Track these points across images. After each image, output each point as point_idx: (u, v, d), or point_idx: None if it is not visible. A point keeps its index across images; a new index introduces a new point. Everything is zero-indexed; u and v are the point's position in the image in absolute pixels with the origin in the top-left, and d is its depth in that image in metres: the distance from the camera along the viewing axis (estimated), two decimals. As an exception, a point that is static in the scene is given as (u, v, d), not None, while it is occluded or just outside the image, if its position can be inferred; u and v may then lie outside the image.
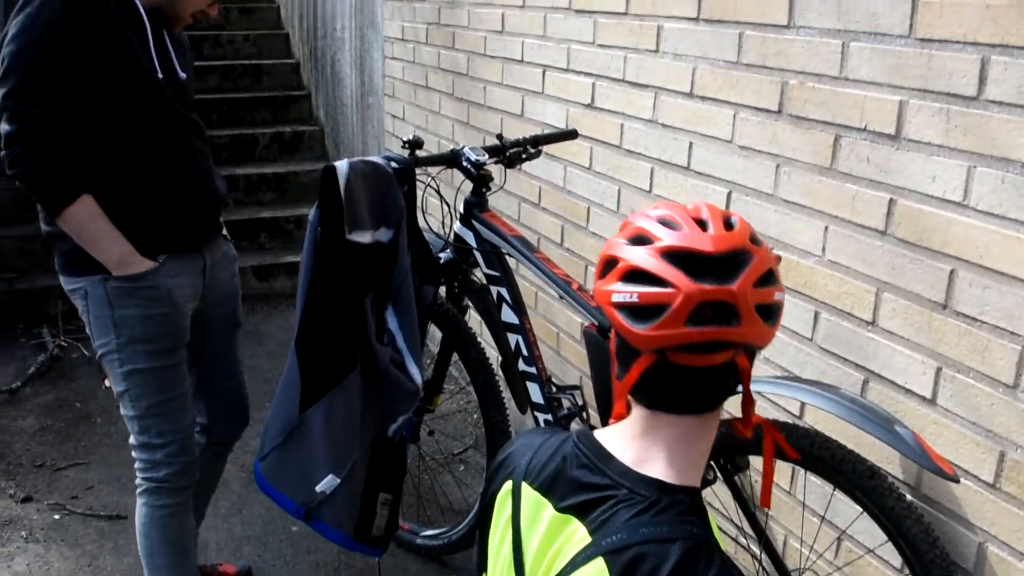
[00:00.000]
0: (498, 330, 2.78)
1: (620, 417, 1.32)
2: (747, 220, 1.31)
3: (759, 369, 2.35)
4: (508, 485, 1.38)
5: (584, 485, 1.26)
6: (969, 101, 1.78)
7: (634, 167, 2.87)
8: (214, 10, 2.54)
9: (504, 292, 2.75)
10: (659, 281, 1.20)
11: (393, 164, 2.53)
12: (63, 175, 2.28)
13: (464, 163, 2.74)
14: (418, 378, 2.60)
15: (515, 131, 3.58)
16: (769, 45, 2.26)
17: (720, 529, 1.28)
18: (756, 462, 2.45)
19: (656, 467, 1.24)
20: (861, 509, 1.94)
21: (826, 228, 2.15)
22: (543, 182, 3.47)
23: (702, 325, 1.18)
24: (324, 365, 2.47)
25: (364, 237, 2.44)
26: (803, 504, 2.31)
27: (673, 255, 1.20)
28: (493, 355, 2.87)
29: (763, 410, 2.38)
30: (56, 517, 3.47)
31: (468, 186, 2.82)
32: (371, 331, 2.50)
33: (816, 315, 2.20)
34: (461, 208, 2.83)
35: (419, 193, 2.63)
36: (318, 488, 2.53)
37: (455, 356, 3.03)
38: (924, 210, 1.89)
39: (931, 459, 1.79)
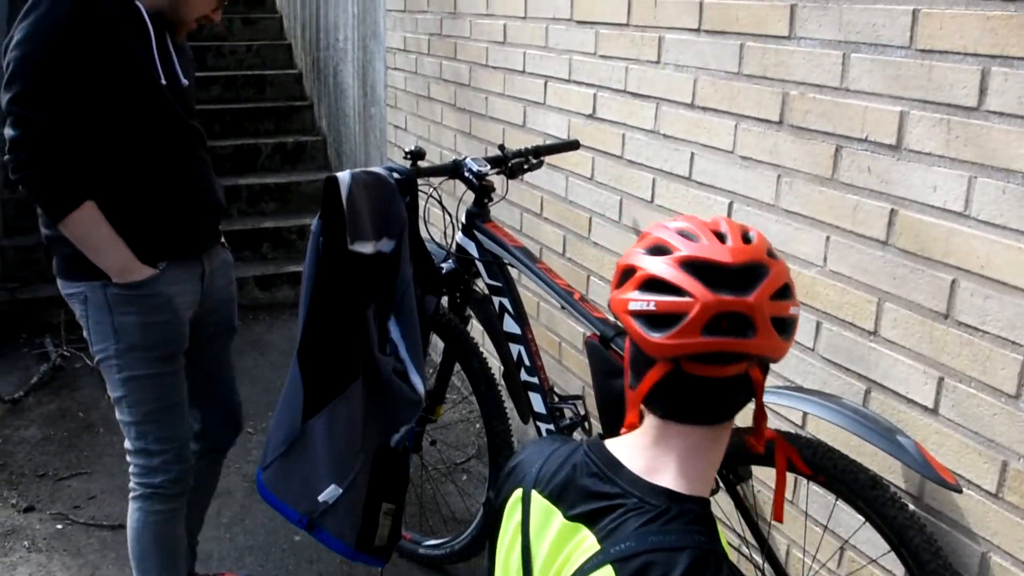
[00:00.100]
0: (500, 340, 2.79)
1: (632, 427, 1.33)
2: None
3: (761, 379, 2.35)
4: (518, 493, 1.39)
5: (594, 494, 1.27)
6: (970, 112, 1.78)
7: (636, 177, 2.87)
8: (218, 15, 2.54)
9: (506, 302, 2.75)
10: (677, 290, 1.21)
11: (395, 175, 2.53)
12: (67, 181, 2.28)
13: (466, 174, 2.75)
14: (420, 388, 2.60)
15: (517, 141, 3.59)
16: (770, 56, 2.27)
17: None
18: (759, 472, 2.45)
19: (666, 477, 1.25)
20: (864, 519, 1.94)
21: (827, 238, 2.15)
22: (545, 192, 3.47)
23: (718, 335, 1.19)
24: (326, 375, 2.47)
25: (366, 247, 2.44)
26: (806, 514, 2.31)
27: (691, 265, 1.22)
28: (495, 365, 2.87)
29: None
30: (59, 527, 3.47)
31: (470, 196, 2.82)
32: (373, 341, 2.50)
33: (818, 325, 2.21)
34: (463, 218, 2.84)
35: (421, 203, 2.64)
36: (320, 498, 2.53)
37: (457, 366, 3.04)
38: (925, 220, 1.90)
39: (933, 469, 1.79)
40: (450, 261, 2.87)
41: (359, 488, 2.61)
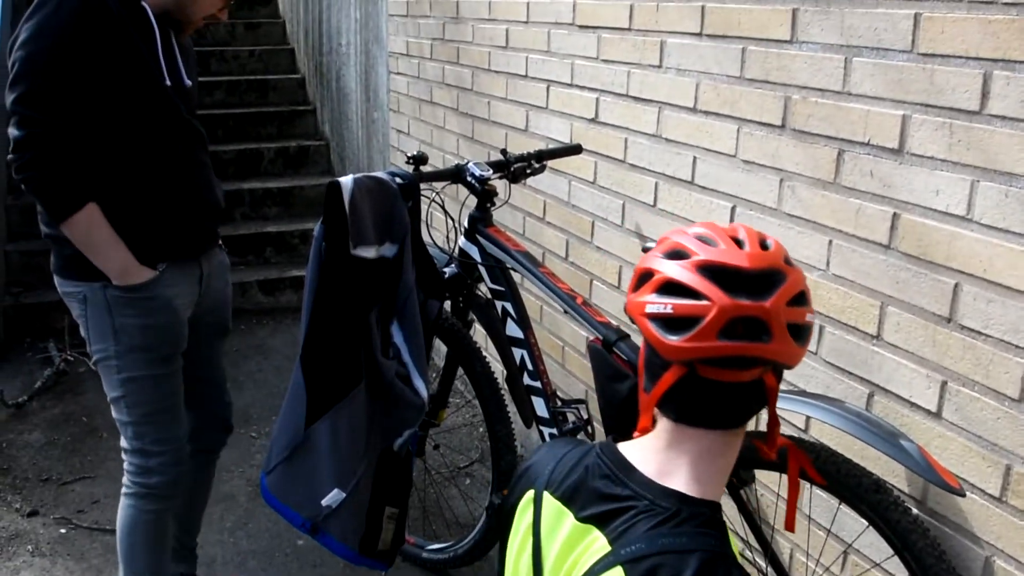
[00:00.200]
0: (503, 344, 2.79)
1: (645, 431, 1.34)
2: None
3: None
4: (530, 494, 1.40)
5: (605, 496, 1.28)
6: (972, 116, 1.78)
7: (638, 182, 2.88)
8: (224, 15, 2.54)
9: (509, 307, 2.75)
10: (694, 294, 1.22)
11: (397, 179, 2.53)
12: (70, 182, 2.29)
13: (468, 178, 2.75)
14: (423, 392, 2.61)
15: (520, 146, 3.60)
16: (772, 60, 2.27)
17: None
18: (761, 476, 2.45)
19: (678, 480, 1.26)
20: (867, 523, 1.94)
21: (830, 242, 2.15)
22: (548, 196, 3.48)
23: (734, 339, 1.20)
24: (330, 380, 2.47)
25: (369, 252, 2.44)
26: (809, 518, 2.31)
27: (709, 269, 1.23)
28: (498, 369, 2.87)
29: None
30: (62, 531, 3.47)
31: (473, 201, 2.83)
32: (376, 346, 2.50)
33: (821, 329, 2.21)
34: (466, 223, 2.84)
35: (424, 208, 2.65)
36: (324, 502, 2.53)
37: (460, 370, 3.04)
38: (928, 224, 1.90)
39: (937, 473, 1.79)
40: (453, 265, 2.88)
41: (362, 492, 2.61)
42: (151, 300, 2.44)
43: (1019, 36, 1.68)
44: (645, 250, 2.54)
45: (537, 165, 2.88)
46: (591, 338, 2.44)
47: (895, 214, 1.97)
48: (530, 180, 3.05)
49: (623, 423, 2.33)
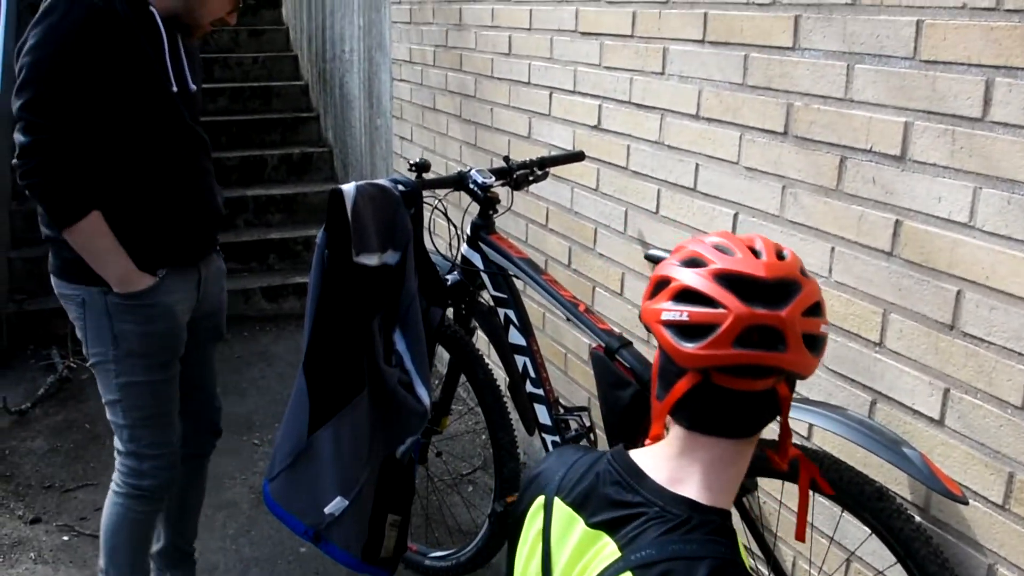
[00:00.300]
0: (505, 352, 2.79)
1: (657, 438, 1.34)
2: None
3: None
4: (540, 500, 1.41)
5: (616, 502, 1.29)
6: (974, 123, 1.78)
7: (641, 189, 2.88)
8: (233, 18, 2.54)
9: (511, 314, 2.75)
10: (710, 302, 1.23)
11: (400, 187, 2.54)
12: (75, 190, 2.29)
13: (471, 185, 2.75)
14: (426, 399, 2.60)
15: (522, 152, 3.60)
16: (774, 67, 2.27)
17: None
18: (764, 483, 2.45)
19: (690, 487, 1.26)
20: (870, 531, 1.93)
21: (832, 249, 2.15)
22: (550, 203, 3.48)
23: (749, 348, 1.21)
24: (332, 387, 2.47)
25: (371, 259, 2.45)
26: (812, 525, 2.30)
27: (726, 278, 1.24)
28: (501, 376, 2.87)
29: (770, 431, 2.37)
30: (65, 538, 3.47)
31: (475, 208, 2.83)
32: (379, 353, 2.50)
33: (823, 336, 2.20)
34: (468, 230, 2.84)
35: (426, 215, 2.65)
36: (327, 510, 2.53)
37: (463, 377, 3.04)
38: (930, 231, 1.89)
39: (939, 481, 1.79)
40: (455, 273, 2.88)
41: (365, 500, 2.61)
42: (151, 308, 2.44)
43: (1021, 43, 1.68)
44: (647, 256, 2.56)
45: (539, 172, 2.88)
46: (593, 345, 2.44)
47: (897, 221, 1.97)
48: (533, 187, 3.05)
49: (625, 430, 2.33)
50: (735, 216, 2.46)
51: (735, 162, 2.44)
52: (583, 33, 3.13)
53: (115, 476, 2.61)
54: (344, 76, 6.30)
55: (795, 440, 2.29)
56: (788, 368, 1.24)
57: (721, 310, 1.21)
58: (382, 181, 2.52)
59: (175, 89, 2.41)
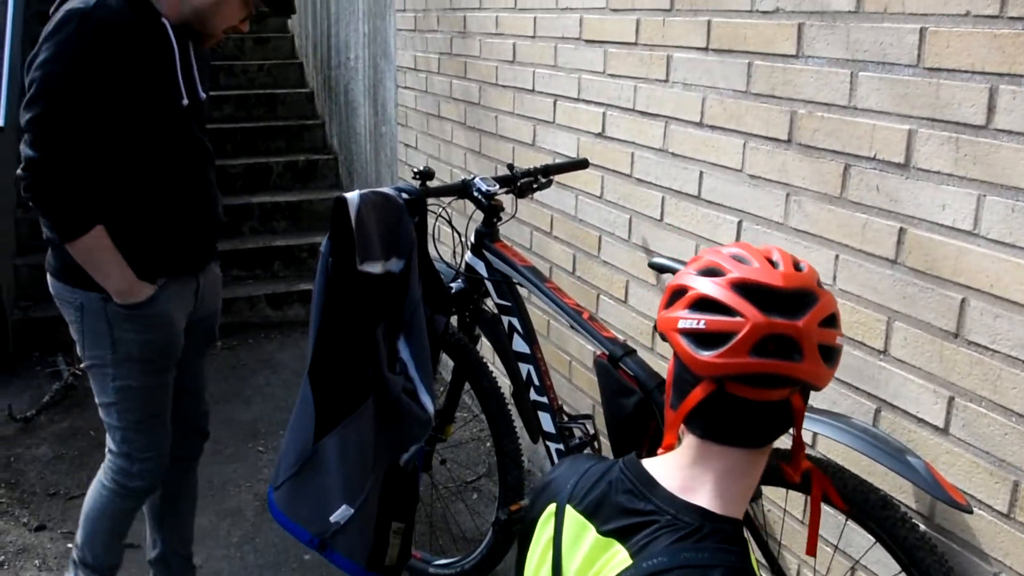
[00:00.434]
0: (509, 360, 2.79)
1: (670, 448, 1.35)
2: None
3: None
4: (551, 508, 1.41)
5: (628, 510, 1.29)
6: (978, 130, 1.78)
7: (645, 196, 2.88)
8: (245, 26, 2.54)
9: (515, 322, 2.75)
10: (728, 310, 1.23)
11: (404, 195, 2.54)
12: (79, 205, 2.29)
13: (475, 193, 2.75)
14: (430, 407, 2.61)
15: (527, 160, 3.60)
16: (778, 75, 2.27)
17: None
18: (768, 491, 2.44)
19: (702, 496, 1.27)
20: (874, 539, 1.93)
21: (836, 257, 2.15)
22: (555, 211, 3.48)
23: (765, 357, 1.22)
24: (337, 395, 2.48)
25: (375, 267, 2.45)
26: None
27: (743, 287, 1.25)
28: (505, 384, 2.87)
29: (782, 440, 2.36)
30: (69, 546, 3.46)
31: (480, 216, 2.83)
32: (383, 361, 2.51)
33: (827, 344, 2.20)
34: (472, 238, 2.85)
35: (431, 222, 2.65)
36: (332, 518, 2.53)
37: (467, 385, 3.04)
38: (934, 239, 1.89)
39: (944, 490, 1.78)
40: (459, 280, 2.88)
41: (370, 508, 2.61)
42: (151, 317, 2.45)
43: (1025, 51, 1.68)
44: (651, 265, 2.55)
45: (544, 180, 2.88)
46: (598, 353, 2.44)
47: (901, 229, 1.97)
48: (537, 194, 3.05)
49: (629, 438, 2.33)
50: (739, 224, 2.46)
51: (739, 170, 2.44)
52: (587, 41, 3.14)
53: (104, 470, 2.64)
54: (349, 83, 6.31)
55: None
56: (803, 378, 1.24)
57: (738, 319, 1.22)
58: (386, 189, 2.53)
59: (186, 102, 2.41)
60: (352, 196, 2.39)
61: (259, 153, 7.03)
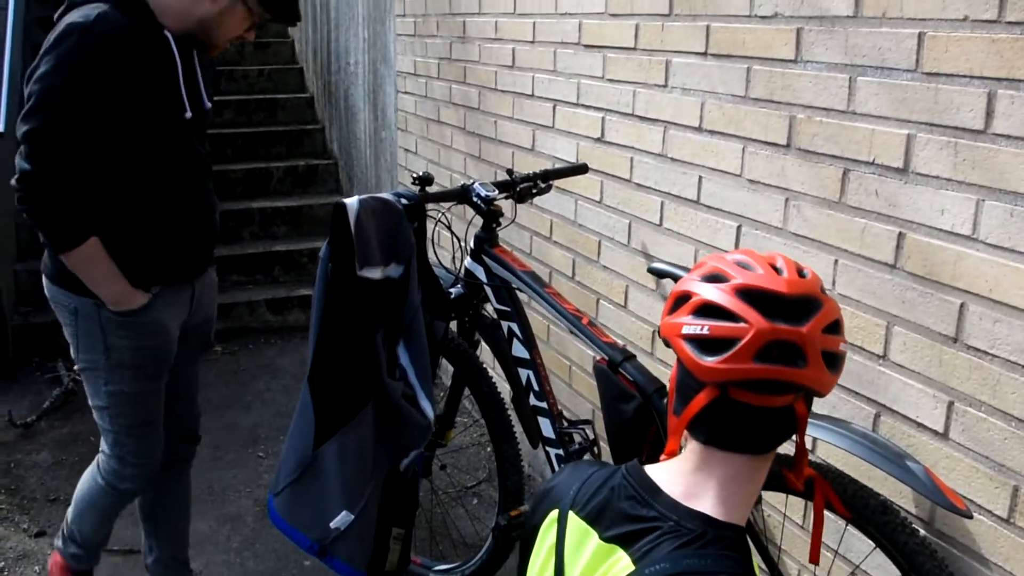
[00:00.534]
0: (509, 365, 2.78)
1: (672, 454, 1.35)
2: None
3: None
4: (554, 514, 1.41)
5: (631, 516, 1.29)
6: (977, 135, 1.78)
7: (644, 201, 2.88)
8: (251, 35, 2.54)
9: (515, 327, 2.75)
10: (732, 316, 1.24)
11: (403, 200, 2.54)
12: (73, 218, 2.29)
13: (474, 198, 2.75)
14: (430, 413, 2.60)
15: (526, 165, 3.60)
16: (777, 79, 2.27)
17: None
18: (768, 496, 2.44)
19: (705, 503, 1.27)
20: (874, 545, 1.93)
21: (836, 262, 2.14)
22: (554, 216, 3.48)
23: (769, 363, 1.22)
24: (337, 401, 2.48)
25: (375, 273, 2.45)
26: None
27: (747, 293, 1.25)
28: (505, 389, 2.87)
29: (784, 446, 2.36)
30: (69, 552, 3.47)
31: (479, 221, 2.83)
32: (383, 367, 2.50)
33: (827, 349, 2.20)
34: (472, 243, 2.84)
35: (430, 228, 2.65)
36: (332, 524, 2.53)
37: (467, 390, 3.04)
38: (933, 244, 1.89)
39: (943, 495, 1.78)
40: (459, 286, 2.88)
41: (370, 514, 2.60)
42: (145, 326, 2.46)
43: (1023, 55, 1.68)
44: (651, 270, 2.55)
45: (543, 185, 2.88)
46: (597, 358, 2.44)
47: (901, 233, 1.97)
48: (537, 200, 3.05)
49: (628, 443, 2.32)
50: (738, 229, 2.46)
51: (738, 174, 2.44)
52: (586, 46, 3.14)
53: (98, 464, 2.66)
54: (349, 88, 6.32)
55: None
56: (807, 384, 1.24)
57: (742, 324, 1.22)
58: (385, 195, 2.53)
59: (188, 115, 2.41)
60: (351, 202, 2.39)
61: (259, 158, 7.03)
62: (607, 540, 1.30)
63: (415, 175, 2.71)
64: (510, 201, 2.86)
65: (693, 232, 2.65)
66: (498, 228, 2.83)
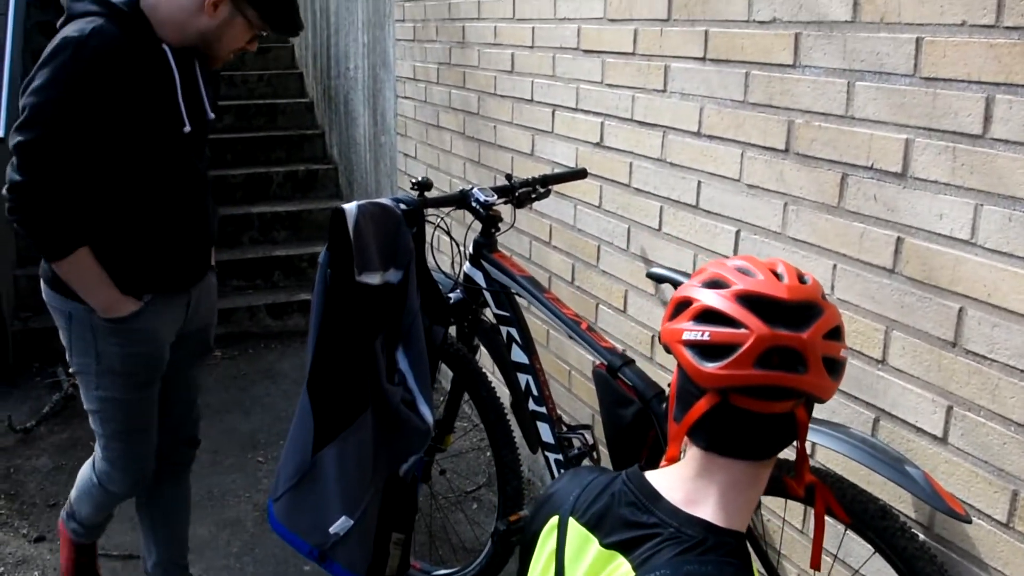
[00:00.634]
0: (508, 370, 2.78)
1: (672, 460, 1.35)
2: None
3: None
4: (554, 520, 1.41)
5: (631, 523, 1.29)
6: (975, 139, 1.78)
7: (643, 206, 2.88)
8: (253, 46, 2.53)
9: (514, 332, 2.75)
10: (732, 322, 1.24)
11: (402, 205, 2.54)
12: (62, 230, 2.29)
13: (473, 204, 2.75)
14: (429, 418, 2.60)
15: (525, 170, 3.60)
16: (775, 84, 2.27)
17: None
18: (768, 501, 2.44)
19: (706, 509, 1.27)
20: (874, 549, 1.92)
21: (834, 266, 2.15)
22: (553, 221, 3.48)
23: (769, 369, 1.22)
24: (336, 406, 2.47)
25: (374, 278, 2.45)
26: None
27: (748, 299, 1.25)
28: (504, 394, 2.87)
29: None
30: (69, 558, 3.46)
31: (478, 226, 2.83)
32: (382, 372, 2.50)
33: (826, 353, 2.20)
34: (471, 248, 2.84)
35: (429, 232, 2.65)
36: (332, 529, 2.52)
37: (466, 395, 3.04)
38: (932, 248, 1.89)
39: (942, 500, 1.78)
40: (458, 291, 2.88)
41: (370, 519, 2.60)
42: (137, 333, 2.46)
43: (1021, 60, 1.68)
44: (650, 275, 2.55)
45: (542, 190, 2.88)
46: (596, 363, 2.44)
47: (899, 238, 1.97)
48: (536, 204, 3.05)
49: (628, 448, 2.32)
50: (737, 233, 2.46)
51: (737, 179, 2.44)
52: (585, 51, 3.14)
53: (95, 461, 2.69)
54: (349, 93, 6.32)
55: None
56: (807, 390, 1.24)
57: (743, 330, 1.22)
58: (384, 200, 2.53)
59: (187, 129, 2.40)
60: (350, 207, 2.39)
61: (259, 163, 7.04)
62: (607, 546, 1.29)
63: (414, 180, 2.72)
64: (509, 206, 2.86)
65: (692, 237, 2.65)
66: (497, 233, 2.83)
